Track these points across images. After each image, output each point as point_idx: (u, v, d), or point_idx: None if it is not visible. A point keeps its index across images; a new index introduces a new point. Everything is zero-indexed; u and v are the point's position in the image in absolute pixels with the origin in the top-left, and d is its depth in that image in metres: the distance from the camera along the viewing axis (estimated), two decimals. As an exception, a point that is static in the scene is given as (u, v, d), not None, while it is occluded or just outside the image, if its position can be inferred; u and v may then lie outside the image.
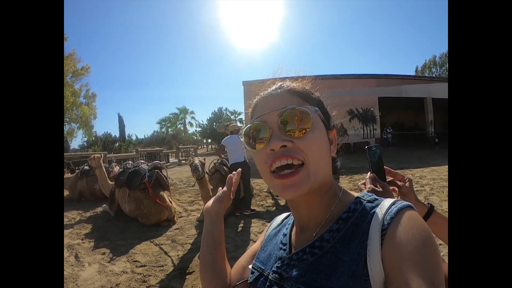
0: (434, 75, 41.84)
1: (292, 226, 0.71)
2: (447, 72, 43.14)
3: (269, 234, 0.79)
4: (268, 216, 5.43)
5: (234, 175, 0.91)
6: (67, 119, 25.81)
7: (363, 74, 22.24)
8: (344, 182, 8.48)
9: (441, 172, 9.42)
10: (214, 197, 0.86)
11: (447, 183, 7.56)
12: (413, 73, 43.21)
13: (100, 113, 27.86)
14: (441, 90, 22.67)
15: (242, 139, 0.65)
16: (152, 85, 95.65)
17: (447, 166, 10.62)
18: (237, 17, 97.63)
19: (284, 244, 0.68)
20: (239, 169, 0.97)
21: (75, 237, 4.91)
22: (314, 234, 0.61)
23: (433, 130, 22.58)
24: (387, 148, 20.98)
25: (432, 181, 7.96)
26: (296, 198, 0.62)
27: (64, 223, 5.82)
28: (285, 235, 0.71)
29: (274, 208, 6.16)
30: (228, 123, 7.51)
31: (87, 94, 26.92)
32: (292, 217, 0.73)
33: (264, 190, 7.66)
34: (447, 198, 5.96)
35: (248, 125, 0.63)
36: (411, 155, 15.41)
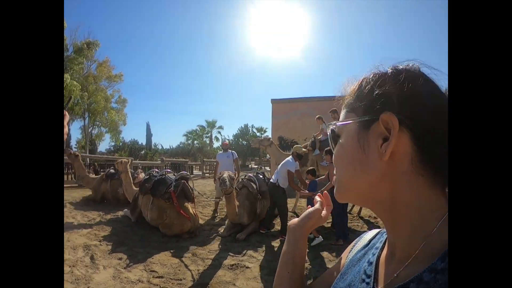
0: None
1: (382, 250, 0.57)
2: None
3: (352, 259, 0.64)
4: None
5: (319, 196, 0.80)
6: (97, 122, 26.71)
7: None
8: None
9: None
10: (304, 213, 0.77)
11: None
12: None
13: (128, 120, 28.57)
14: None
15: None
16: (181, 96, 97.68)
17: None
18: (268, 31, 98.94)
19: (368, 276, 0.53)
20: (325, 192, 0.81)
21: (93, 237, 4.77)
22: (402, 268, 0.46)
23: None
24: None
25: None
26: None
27: (84, 222, 5.76)
28: (370, 263, 0.56)
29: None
30: (262, 137, 7.40)
31: (119, 99, 27.79)
32: (382, 236, 0.60)
33: (290, 210, 7.28)
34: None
35: None
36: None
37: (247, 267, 3.72)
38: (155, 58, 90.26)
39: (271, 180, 5.43)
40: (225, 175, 4.87)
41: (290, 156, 5.43)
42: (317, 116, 7.71)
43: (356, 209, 7.03)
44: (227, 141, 8.17)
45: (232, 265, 3.78)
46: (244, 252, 4.27)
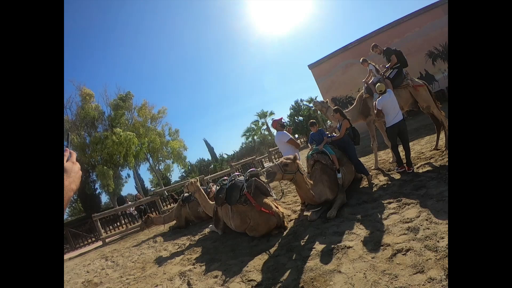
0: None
1: None
2: None
3: None
4: (387, 196, 4.45)
5: None
6: (161, 158, 28.74)
7: (427, 5, 17.02)
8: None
9: None
10: None
11: None
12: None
13: (189, 143, 30.00)
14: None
15: None
16: (226, 104, 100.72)
17: None
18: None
19: None
20: None
21: (186, 263, 4.82)
22: None
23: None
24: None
25: None
26: None
27: (175, 250, 5.93)
28: None
29: (387, 184, 5.09)
30: (322, 100, 6.94)
31: (170, 132, 29.57)
32: None
33: (372, 168, 6.61)
34: None
35: None
36: None
37: (349, 247, 3.31)
38: (192, 83, 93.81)
39: (399, 119, 5.38)
40: (271, 165, 4.66)
41: (383, 95, 5.53)
42: (361, 60, 7.04)
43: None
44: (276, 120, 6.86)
45: (332, 249, 3.40)
46: (340, 230, 3.87)
